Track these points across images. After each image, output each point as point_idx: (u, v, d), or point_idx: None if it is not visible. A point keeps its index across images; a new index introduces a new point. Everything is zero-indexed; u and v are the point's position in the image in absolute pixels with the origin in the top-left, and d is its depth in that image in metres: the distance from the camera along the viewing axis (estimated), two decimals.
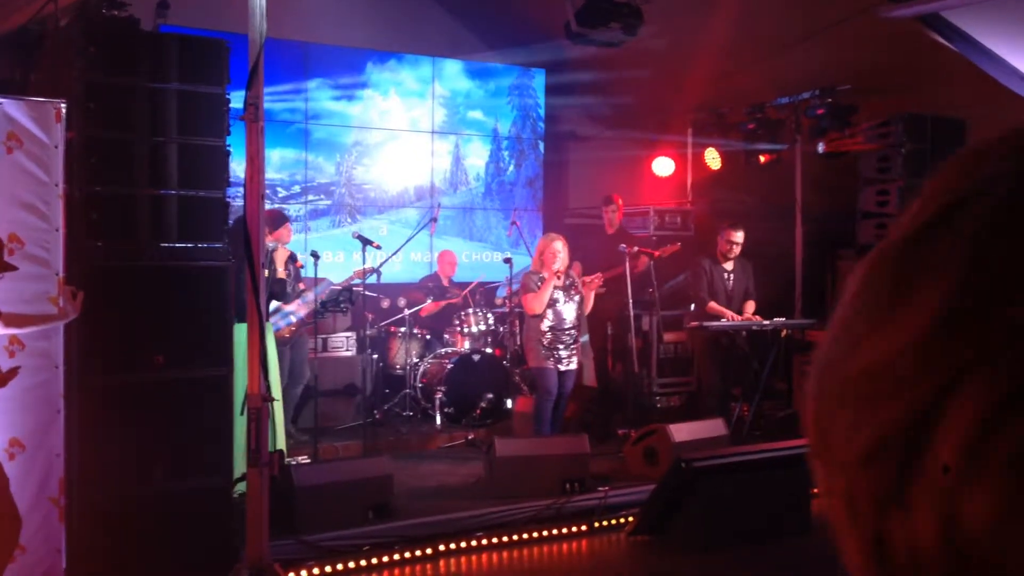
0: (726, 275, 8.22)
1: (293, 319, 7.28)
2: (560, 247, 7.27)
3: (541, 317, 7.24)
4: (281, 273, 7.07)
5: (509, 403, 8.57)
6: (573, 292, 7.37)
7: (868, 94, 8.81)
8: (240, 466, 5.57)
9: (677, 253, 8.55)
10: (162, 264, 5.04)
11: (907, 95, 8.62)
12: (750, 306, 8.27)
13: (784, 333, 8.43)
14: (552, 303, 7.26)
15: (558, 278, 7.26)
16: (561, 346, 7.27)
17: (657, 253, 8.38)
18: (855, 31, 8.09)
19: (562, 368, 7.28)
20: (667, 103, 10.48)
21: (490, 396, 8.52)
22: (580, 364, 8.53)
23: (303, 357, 7.64)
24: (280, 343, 7.07)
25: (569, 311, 7.31)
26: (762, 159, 9.67)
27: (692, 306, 8.56)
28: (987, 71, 8.17)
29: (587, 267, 8.82)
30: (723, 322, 8.03)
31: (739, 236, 8.15)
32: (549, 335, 7.25)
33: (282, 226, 7.25)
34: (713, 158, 10.29)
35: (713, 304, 8.11)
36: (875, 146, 7.95)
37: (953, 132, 7.91)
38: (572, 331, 7.34)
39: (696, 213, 10.17)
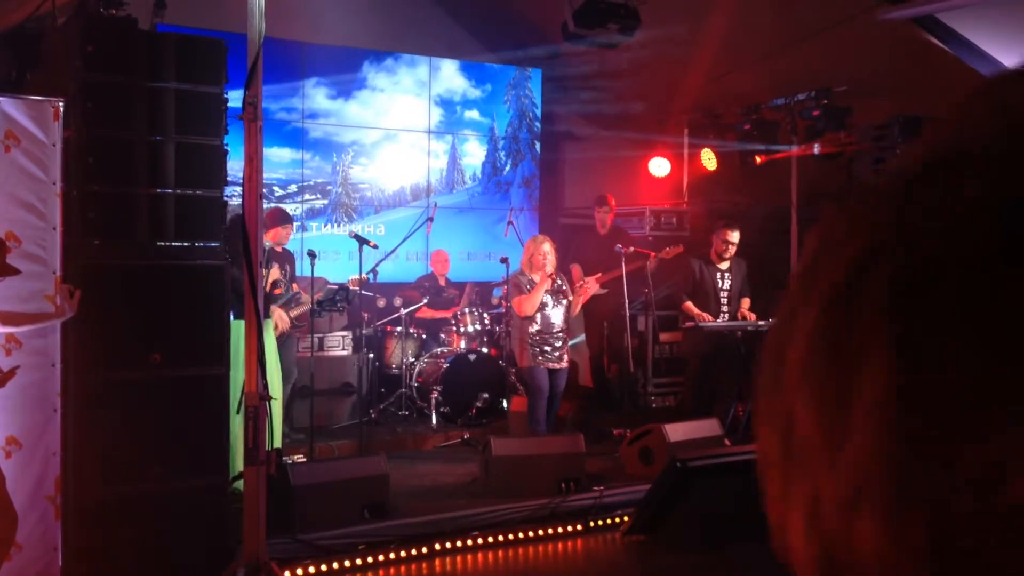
0: (719, 275, 8.22)
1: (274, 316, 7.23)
2: (548, 248, 7.29)
3: (530, 320, 7.27)
4: (267, 286, 7.02)
5: (505, 403, 8.58)
6: (562, 296, 7.39)
7: (864, 96, 8.83)
8: (236, 464, 5.59)
9: (679, 255, 8.55)
10: (159, 263, 5.04)
11: (902, 97, 8.64)
12: (745, 303, 8.28)
13: None
14: (541, 307, 7.30)
15: (550, 281, 7.27)
16: (549, 348, 7.31)
17: (653, 254, 8.38)
18: (851, 33, 8.12)
19: (552, 367, 7.31)
20: (663, 104, 10.50)
21: (486, 396, 8.53)
22: (574, 363, 8.56)
23: (292, 356, 7.63)
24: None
25: (557, 315, 7.35)
26: (758, 160, 9.69)
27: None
28: (982, 73, 8.20)
29: (583, 267, 8.84)
30: (719, 322, 8.05)
31: (735, 236, 8.17)
32: (537, 338, 7.29)
33: (280, 225, 7.19)
34: (709, 159, 10.30)
35: (688, 304, 8.12)
36: (870, 147, 7.96)
37: None
38: (560, 334, 7.37)
39: (692, 214, 10.19)
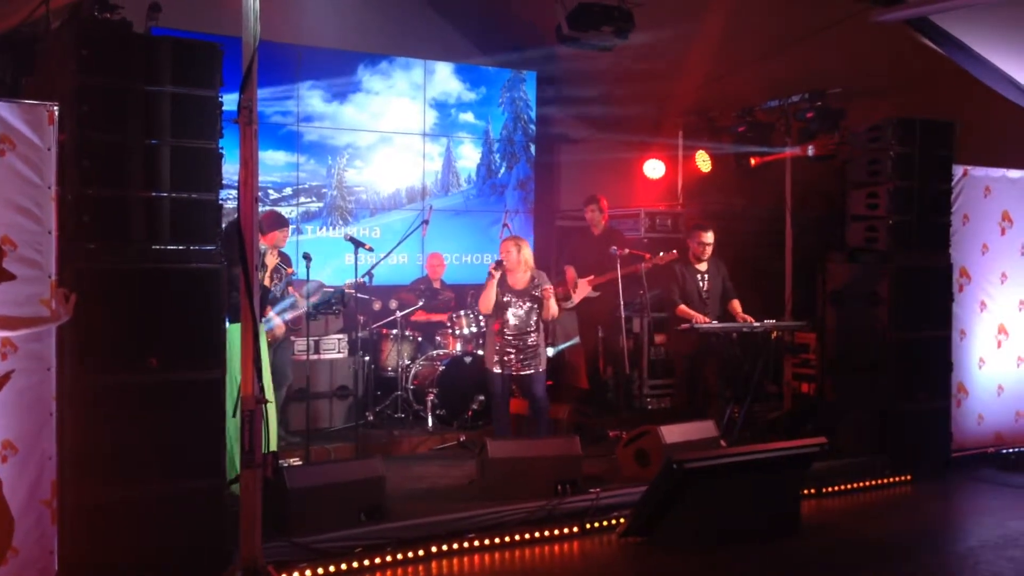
0: (699, 276, 8.25)
1: (275, 323, 7.24)
2: (510, 247, 7.37)
3: (497, 319, 7.29)
4: (266, 280, 7.05)
5: None
6: (531, 296, 7.37)
7: (857, 97, 8.86)
8: (232, 468, 5.59)
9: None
10: (155, 266, 5.04)
11: (896, 98, 8.67)
12: (736, 305, 8.28)
13: (775, 335, 8.45)
14: (506, 305, 7.31)
15: (496, 271, 7.28)
16: (513, 350, 7.30)
17: (648, 256, 8.38)
18: (845, 35, 8.14)
19: (516, 372, 7.33)
20: (658, 106, 10.52)
21: (481, 398, 8.53)
22: (570, 364, 8.54)
23: (285, 359, 7.63)
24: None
25: (525, 315, 7.34)
26: (752, 162, 9.72)
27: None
28: (975, 75, 8.24)
29: (577, 269, 8.85)
30: (715, 324, 8.05)
31: (709, 236, 8.22)
32: (503, 338, 7.31)
33: (278, 229, 7.21)
34: (703, 161, 10.32)
35: (683, 307, 8.13)
36: (864, 149, 7.98)
37: (942, 135, 7.96)
38: (528, 335, 7.34)
39: (687, 216, 10.20)
